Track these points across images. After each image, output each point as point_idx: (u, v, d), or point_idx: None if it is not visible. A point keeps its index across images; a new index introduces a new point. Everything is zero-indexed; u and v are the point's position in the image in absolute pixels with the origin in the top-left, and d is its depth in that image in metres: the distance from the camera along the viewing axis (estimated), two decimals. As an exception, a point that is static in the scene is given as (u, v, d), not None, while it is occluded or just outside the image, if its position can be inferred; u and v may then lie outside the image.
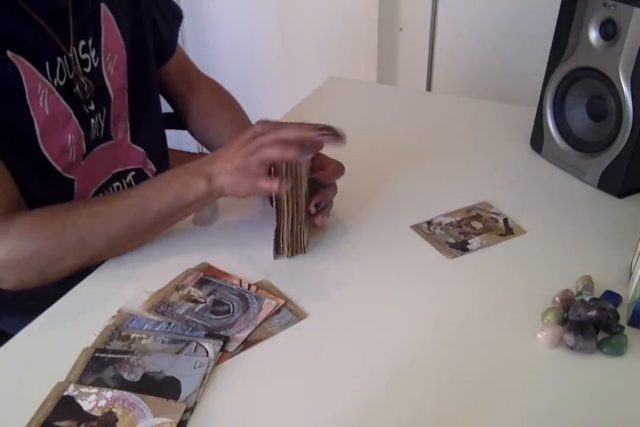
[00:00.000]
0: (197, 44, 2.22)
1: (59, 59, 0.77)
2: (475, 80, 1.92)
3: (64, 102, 0.78)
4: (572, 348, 0.66)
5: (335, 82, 1.30)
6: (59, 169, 0.81)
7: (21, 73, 0.73)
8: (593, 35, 0.88)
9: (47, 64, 0.76)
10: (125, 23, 0.87)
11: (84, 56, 0.81)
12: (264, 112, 0.81)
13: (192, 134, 1.05)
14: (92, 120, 0.84)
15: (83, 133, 0.82)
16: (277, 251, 0.79)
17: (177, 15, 1.02)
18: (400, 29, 1.94)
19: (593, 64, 0.89)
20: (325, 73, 1.34)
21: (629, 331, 0.68)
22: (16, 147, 0.75)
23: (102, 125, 0.86)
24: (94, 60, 0.83)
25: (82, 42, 0.81)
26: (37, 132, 0.76)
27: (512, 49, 1.82)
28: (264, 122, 0.75)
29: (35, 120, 0.75)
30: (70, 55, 0.79)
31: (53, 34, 0.76)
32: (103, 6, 0.84)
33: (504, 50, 1.83)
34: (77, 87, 0.80)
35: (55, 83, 0.77)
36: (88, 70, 0.82)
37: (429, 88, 2.01)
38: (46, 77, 0.76)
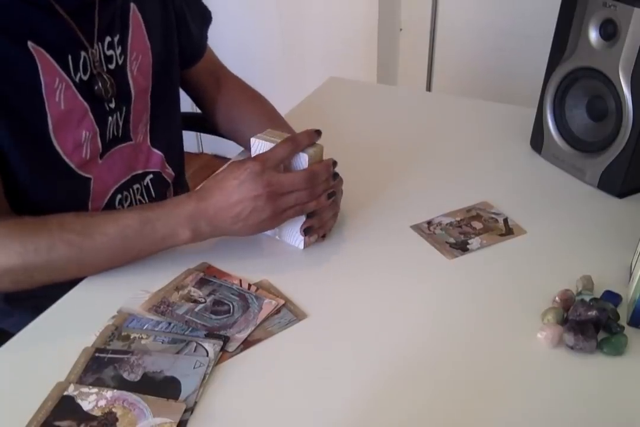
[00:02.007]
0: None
1: (82, 53, 0.77)
2: (476, 81, 1.91)
3: (81, 98, 0.78)
4: (572, 348, 0.66)
5: (335, 82, 1.30)
6: (72, 166, 0.80)
7: (39, 66, 0.72)
8: (593, 35, 0.88)
9: (69, 57, 0.75)
10: (154, 26, 0.87)
11: (109, 52, 0.81)
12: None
13: (219, 129, 1.05)
14: (110, 119, 0.83)
15: (98, 130, 0.81)
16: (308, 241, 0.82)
17: (206, 15, 1.02)
18: (400, 29, 1.94)
19: (593, 64, 0.89)
20: (325, 73, 1.34)
21: (629, 331, 0.68)
22: (28, 140, 0.74)
23: (121, 124, 0.86)
24: (119, 58, 0.82)
25: (108, 38, 0.80)
26: (50, 126, 0.75)
27: (512, 49, 1.82)
28: (264, 166, 0.72)
29: (49, 114, 0.75)
30: (94, 50, 0.78)
31: (77, 28, 0.76)
32: (133, 6, 0.84)
33: (504, 50, 1.83)
34: (100, 84, 0.79)
35: (78, 78, 0.77)
36: (112, 67, 0.82)
37: (429, 88, 2.01)
38: (67, 71, 0.76)
